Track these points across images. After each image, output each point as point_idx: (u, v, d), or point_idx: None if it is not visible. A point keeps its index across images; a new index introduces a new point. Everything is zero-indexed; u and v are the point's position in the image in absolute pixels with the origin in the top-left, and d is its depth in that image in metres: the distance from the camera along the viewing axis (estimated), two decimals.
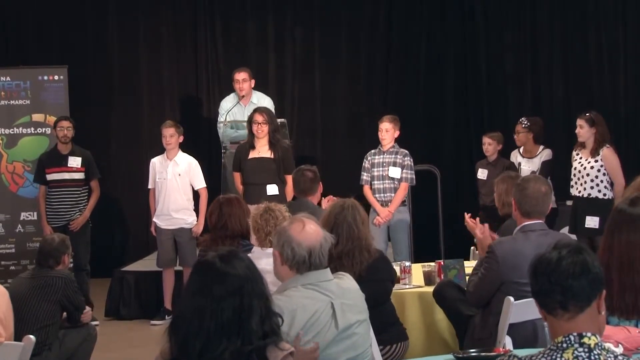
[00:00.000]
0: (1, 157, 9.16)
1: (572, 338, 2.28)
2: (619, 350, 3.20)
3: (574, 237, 6.94)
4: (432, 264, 5.79)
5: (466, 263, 5.72)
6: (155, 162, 8.21)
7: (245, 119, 7.98)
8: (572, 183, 7.45)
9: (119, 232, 10.55)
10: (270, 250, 4.12)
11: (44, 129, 9.17)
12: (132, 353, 7.08)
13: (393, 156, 7.88)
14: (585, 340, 2.27)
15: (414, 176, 7.91)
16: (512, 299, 4.30)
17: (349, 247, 4.65)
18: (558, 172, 8.23)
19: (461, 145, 10.47)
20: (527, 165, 8.29)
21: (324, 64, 10.62)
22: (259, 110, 7.68)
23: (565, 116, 9.87)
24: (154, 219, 8.16)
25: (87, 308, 5.94)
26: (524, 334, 4.42)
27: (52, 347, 5.52)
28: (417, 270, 5.84)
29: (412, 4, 10.63)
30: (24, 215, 9.13)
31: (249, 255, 3.62)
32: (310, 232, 3.40)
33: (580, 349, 2.26)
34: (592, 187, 7.29)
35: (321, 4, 10.65)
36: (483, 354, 3.67)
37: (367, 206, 7.26)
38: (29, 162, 9.09)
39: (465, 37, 10.50)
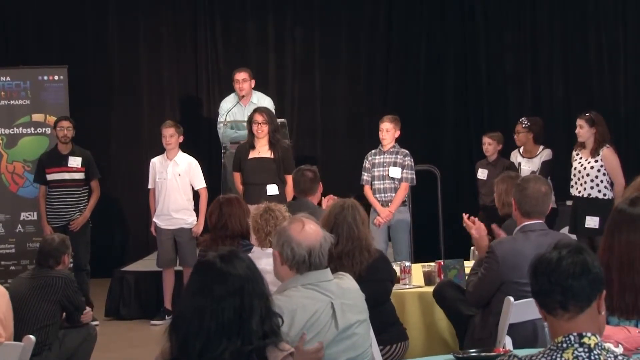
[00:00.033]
0: (1, 157, 9.16)
1: (572, 338, 2.28)
2: (619, 350, 3.20)
3: (574, 237, 6.94)
4: (432, 264, 5.79)
5: (466, 263, 5.72)
6: (155, 162, 8.21)
7: (245, 119, 7.98)
8: (572, 183, 7.45)
9: (119, 232, 10.55)
10: (270, 250, 4.12)
11: (44, 129, 9.17)
12: (132, 353, 7.08)
13: (393, 156, 7.87)
14: (585, 340, 2.27)
15: (414, 176, 7.91)
16: (512, 299, 4.30)
17: (349, 247, 4.65)
18: (558, 172, 8.23)
19: (461, 145, 10.47)
20: (527, 165, 8.29)
21: (324, 64, 10.62)
22: (258, 110, 7.68)
23: (565, 116, 9.87)
24: (154, 219, 8.16)
25: (87, 308, 5.95)
26: (524, 334, 4.42)
27: (52, 347, 5.52)
28: (417, 270, 5.84)
29: (412, 4, 10.63)
30: (24, 215, 9.13)
31: (249, 255, 3.62)
32: (310, 232, 3.40)
33: (580, 349, 2.26)
34: (592, 187, 7.29)
35: (321, 4, 10.65)
36: (483, 354, 3.67)
37: (368, 206, 7.26)
38: (29, 162, 9.09)
39: (465, 37, 10.50)
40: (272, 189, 7.49)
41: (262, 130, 7.53)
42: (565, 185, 7.69)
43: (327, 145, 10.58)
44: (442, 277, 5.56)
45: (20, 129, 9.20)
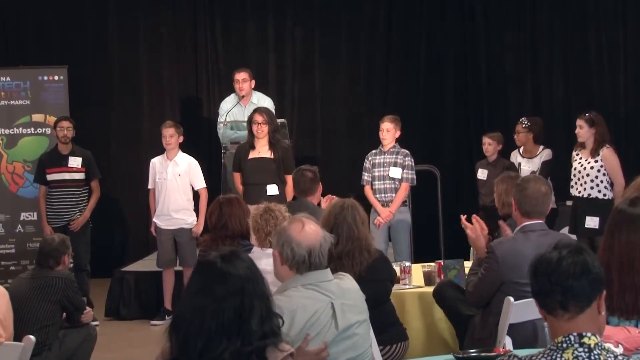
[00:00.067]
0: (1, 157, 9.16)
1: (572, 338, 2.28)
2: (619, 350, 3.20)
3: (574, 237, 6.93)
4: (432, 264, 5.80)
5: (466, 263, 5.72)
6: (155, 162, 8.21)
7: (246, 119, 7.98)
8: (572, 183, 7.45)
9: (119, 232, 10.55)
10: (270, 250, 4.12)
11: (44, 129, 9.17)
12: (132, 353, 7.08)
13: (394, 156, 7.87)
14: (585, 340, 2.27)
15: (414, 176, 7.91)
16: (512, 299, 4.30)
17: (349, 248, 4.65)
18: (558, 172, 8.23)
19: (461, 145, 10.47)
20: (527, 165, 8.29)
21: (324, 64, 10.62)
22: (258, 110, 7.68)
23: (565, 116, 9.88)
24: (154, 219, 8.16)
25: (88, 308, 5.95)
26: (524, 334, 4.42)
27: (52, 347, 5.52)
28: (417, 271, 5.84)
29: (412, 4, 10.63)
30: (24, 216, 9.13)
31: (249, 255, 3.62)
32: (309, 232, 3.40)
33: (580, 349, 2.26)
34: (592, 188, 7.29)
35: (321, 4, 10.65)
36: (483, 354, 3.67)
37: (368, 206, 7.26)
38: (29, 162, 9.09)
39: (465, 37, 10.50)
40: (272, 189, 7.49)
41: (262, 131, 7.53)
42: (565, 185, 7.69)
43: (327, 145, 10.58)
44: (442, 277, 5.57)
45: (20, 129, 9.20)
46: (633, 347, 3.34)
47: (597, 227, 7.05)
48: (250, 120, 7.61)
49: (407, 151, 7.92)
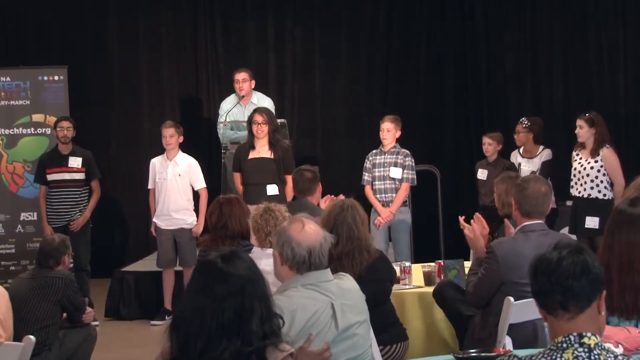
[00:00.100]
0: (1, 157, 9.16)
1: (572, 338, 2.28)
2: (619, 350, 3.20)
3: (574, 237, 6.93)
4: (432, 264, 5.79)
5: (466, 263, 5.72)
6: (155, 162, 8.21)
7: (246, 119, 7.98)
8: (572, 183, 7.45)
9: (119, 232, 10.55)
10: (270, 250, 4.12)
11: (44, 129, 9.17)
12: (132, 353, 7.08)
13: (394, 156, 7.87)
14: (585, 340, 2.27)
15: (415, 176, 7.91)
16: (512, 299, 4.30)
17: (349, 248, 4.65)
18: (558, 172, 8.23)
19: (461, 145, 10.47)
20: (527, 165, 8.29)
21: (324, 64, 10.62)
22: (258, 110, 7.68)
23: (565, 116, 9.88)
24: (154, 219, 8.16)
25: (89, 309, 5.95)
26: (524, 334, 4.42)
27: (52, 347, 5.52)
28: (417, 271, 5.84)
29: (412, 4, 10.63)
30: (24, 216, 9.13)
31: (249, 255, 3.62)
32: (310, 232, 3.40)
33: (580, 349, 2.26)
34: (592, 188, 7.29)
35: (321, 4, 10.65)
36: (483, 354, 3.67)
37: (368, 206, 7.26)
38: (29, 162, 9.09)
39: (465, 37, 10.50)
40: (272, 189, 7.49)
41: (262, 131, 7.53)
42: (565, 185, 7.69)
43: (327, 145, 10.58)
44: (442, 277, 5.57)
45: (20, 129, 9.20)
46: (633, 347, 3.34)
47: (597, 227, 7.05)
48: (250, 121, 7.61)
49: (407, 151, 7.92)
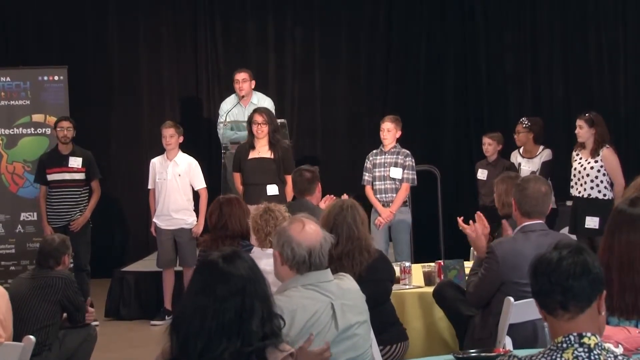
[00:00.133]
0: (1, 157, 9.16)
1: (572, 338, 2.28)
2: (619, 350, 3.20)
3: (574, 237, 6.93)
4: (432, 264, 5.79)
5: (466, 263, 5.72)
6: (155, 162, 8.21)
7: (246, 119, 7.98)
8: (572, 183, 7.45)
9: (119, 232, 10.55)
10: (270, 250, 4.12)
11: (44, 130, 9.17)
12: (132, 353, 7.08)
13: (394, 156, 7.87)
14: (585, 340, 2.27)
15: (415, 177, 7.90)
16: (512, 299, 4.30)
17: (349, 248, 4.65)
18: (558, 172, 8.23)
19: (461, 145, 10.47)
20: (527, 165, 8.29)
21: (324, 64, 10.62)
22: (258, 110, 7.68)
23: (565, 116, 9.88)
24: (154, 219, 8.16)
25: (91, 309, 5.95)
26: (524, 334, 4.42)
27: (52, 347, 5.52)
28: (417, 271, 5.84)
29: (412, 4, 10.63)
30: (24, 216, 9.13)
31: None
32: (310, 232, 3.40)
33: (580, 349, 2.26)
34: (592, 188, 7.29)
35: (321, 4, 10.65)
36: (483, 354, 3.67)
37: (368, 206, 7.26)
38: (29, 162, 9.09)
39: (465, 37, 10.50)
40: (272, 189, 7.49)
41: (262, 131, 7.53)
42: (565, 185, 7.69)
43: (327, 145, 10.58)
44: (442, 277, 5.56)
45: (20, 129, 9.20)
46: (633, 347, 3.34)
47: (597, 227, 7.05)
48: (250, 121, 7.62)
49: (407, 151, 7.91)
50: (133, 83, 10.58)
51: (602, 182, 7.28)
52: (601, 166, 7.27)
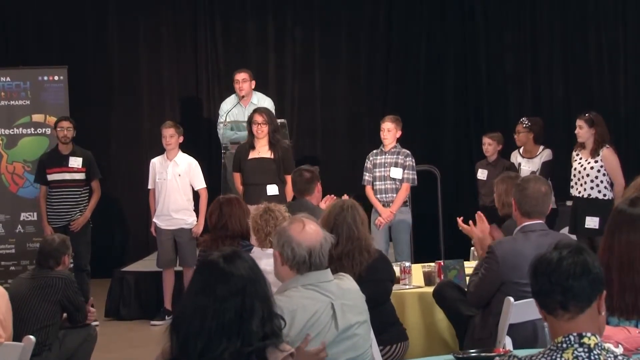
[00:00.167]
0: (1, 157, 9.16)
1: (572, 338, 2.28)
2: (619, 350, 3.20)
3: (574, 237, 6.93)
4: (432, 264, 5.79)
5: (466, 263, 5.72)
6: (155, 162, 8.21)
7: (246, 119, 7.98)
8: (572, 183, 7.45)
9: (119, 232, 10.55)
10: (270, 250, 4.12)
11: (44, 130, 9.17)
12: (132, 353, 7.08)
13: (395, 157, 7.87)
14: (585, 340, 2.27)
15: (415, 177, 7.91)
16: (512, 299, 4.30)
17: (349, 248, 4.65)
18: (558, 172, 8.23)
19: (461, 145, 10.47)
20: (527, 165, 8.29)
21: (324, 64, 10.62)
22: (258, 110, 7.68)
23: (565, 116, 9.88)
24: (154, 219, 8.16)
25: (93, 309, 5.95)
26: (524, 334, 4.42)
27: (52, 347, 5.52)
28: (417, 271, 5.84)
29: (412, 4, 10.63)
30: (24, 216, 9.13)
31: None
32: (310, 232, 3.40)
33: (580, 349, 2.26)
34: (592, 188, 7.29)
35: (321, 4, 10.65)
36: (483, 354, 3.67)
37: (368, 206, 7.26)
38: (29, 162, 9.09)
39: (465, 37, 10.50)
40: (272, 189, 7.49)
41: (261, 131, 7.53)
42: (565, 185, 7.69)
43: (327, 145, 10.58)
44: (442, 277, 5.56)
45: (20, 129, 9.20)
46: (633, 347, 3.34)
47: (597, 227, 7.05)
48: (250, 121, 7.62)
49: (408, 151, 7.91)
50: (133, 83, 10.58)
51: (602, 182, 7.28)
52: (601, 166, 7.27)
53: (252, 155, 7.61)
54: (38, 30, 10.45)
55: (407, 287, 5.60)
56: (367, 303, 3.57)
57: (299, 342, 3.15)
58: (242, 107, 8.64)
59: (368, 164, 7.97)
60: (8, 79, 9.22)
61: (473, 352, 3.70)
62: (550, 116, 9.72)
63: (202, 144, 10.13)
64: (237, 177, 7.73)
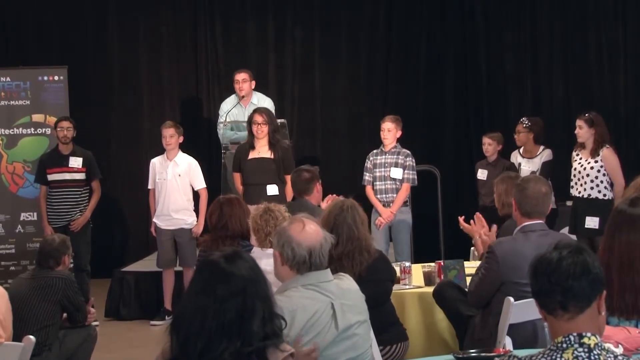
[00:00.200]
0: (1, 157, 9.16)
1: (572, 338, 2.28)
2: (619, 350, 3.20)
3: (574, 237, 6.93)
4: (432, 264, 5.79)
5: (466, 263, 5.72)
6: (155, 162, 8.21)
7: (246, 119, 7.98)
8: (572, 184, 7.45)
9: (119, 232, 10.55)
10: (270, 250, 4.12)
11: (44, 130, 9.17)
12: (132, 353, 7.08)
13: (395, 157, 7.87)
14: (585, 340, 2.27)
15: (415, 177, 7.91)
16: (512, 299, 4.30)
17: (349, 248, 4.65)
18: (558, 172, 8.23)
19: (461, 145, 10.47)
20: (527, 165, 8.29)
21: (324, 64, 10.62)
22: (258, 110, 7.68)
23: (565, 116, 9.88)
24: (154, 220, 8.16)
25: (92, 309, 5.95)
26: (524, 334, 4.42)
27: (52, 347, 5.52)
28: (417, 271, 5.84)
29: (412, 4, 10.63)
30: (24, 216, 9.13)
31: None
32: (310, 232, 3.41)
33: (580, 349, 2.26)
34: (592, 188, 7.29)
35: (321, 4, 10.65)
36: (483, 354, 3.67)
37: (368, 206, 7.26)
38: (29, 162, 9.09)
39: (465, 37, 10.50)
40: (272, 189, 7.49)
41: (261, 131, 7.53)
42: (565, 185, 7.69)
43: (327, 145, 10.58)
44: (442, 277, 5.56)
45: (20, 129, 9.20)
46: (633, 347, 3.34)
47: (597, 227, 7.05)
48: (250, 121, 7.62)
49: (408, 151, 7.92)
50: (133, 83, 10.58)
51: (602, 182, 7.28)
52: (601, 166, 7.27)
53: (252, 155, 7.61)
54: (38, 30, 10.45)
55: (407, 287, 5.60)
56: (367, 303, 3.57)
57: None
58: (242, 107, 8.64)
59: (368, 164, 7.97)
60: (8, 79, 9.22)
61: (473, 352, 3.70)
62: (550, 116, 9.72)
63: (202, 144, 10.13)
64: (237, 177, 7.73)
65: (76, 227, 8.18)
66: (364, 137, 10.14)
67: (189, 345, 2.54)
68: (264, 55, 10.55)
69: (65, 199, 8.23)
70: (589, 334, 2.28)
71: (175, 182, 8.08)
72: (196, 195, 8.20)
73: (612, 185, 7.28)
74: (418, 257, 7.82)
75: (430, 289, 5.32)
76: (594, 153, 7.29)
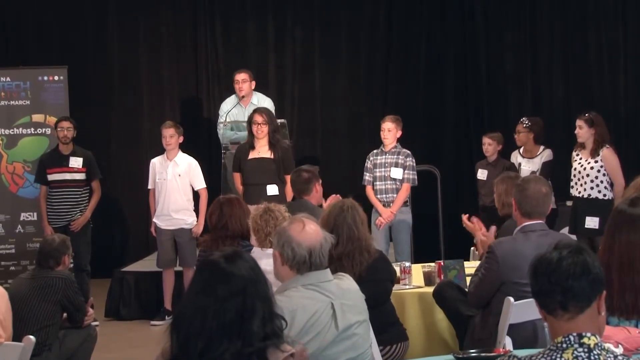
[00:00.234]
0: (1, 157, 9.16)
1: (571, 338, 2.28)
2: (619, 350, 3.20)
3: (574, 237, 6.93)
4: (432, 264, 5.79)
5: (466, 263, 5.72)
6: (155, 162, 8.21)
7: (246, 120, 7.98)
8: (572, 184, 7.45)
9: (119, 232, 10.55)
10: (270, 250, 4.12)
11: (44, 130, 9.17)
12: (132, 353, 7.08)
13: (395, 157, 7.87)
14: (585, 340, 2.27)
15: (416, 177, 7.91)
16: (512, 299, 4.30)
17: (349, 249, 4.65)
18: (558, 172, 8.23)
19: (461, 145, 10.47)
20: (528, 165, 8.29)
21: (324, 64, 10.62)
22: (258, 110, 7.68)
23: (565, 116, 9.88)
24: (154, 220, 8.16)
25: (91, 310, 5.95)
26: (524, 335, 4.42)
27: (52, 347, 5.52)
28: (417, 271, 5.84)
29: (412, 4, 10.63)
30: (24, 216, 9.13)
31: None
32: (310, 232, 3.41)
33: (580, 349, 2.27)
34: (592, 188, 7.29)
35: (321, 4, 10.65)
36: (483, 354, 3.67)
37: (368, 206, 7.26)
38: (29, 162, 9.09)
39: (465, 37, 10.50)
40: (272, 189, 7.49)
41: (261, 131, 7.53)
42: (565, 185, 7.69)
43: (327, 145, 10.58)
44: (442, 277, 5.56)
45: (20, 129, 9.20)
46: (633, 347, 3.34)
47: (597, 227, 7.05)
48: (250, 121, 7.62)
49: (408, 151, 7.92)
50: (133, 83, 10.58)
51: (602, 182, 7.28)
52: (601, 166, 7.27)
53: (252, 155, 7.61)
54: (38, 30, 10.45)
55: (407, 287, 5.60)
56: (367, 303, 3.57)
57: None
58: (242, 108, 8.64)
59: (368, 164, 7.97)
60: (8, 79, 9.23)
61: (473, 352, 3.70)
62: (550, 116, 9.72)
63: (202, 144, 10.13)
64: (237, 177, 7.74)
65: (76, 227, 8.18)
66: (364, 137, 10.14)
67: (189, 345, 2.54)
68: (264, 55, 10.55)
69: (66, 199, 8.23)
70: (588, 334, 2.28)
71: (175, 182, 8.08)
72: (196, 195, 8.20)
73: (612, 185, 7.29)
74: (418, 257, 7.82)
75: (430, 289, 5.32)
76: (594, 153, 7.29)
